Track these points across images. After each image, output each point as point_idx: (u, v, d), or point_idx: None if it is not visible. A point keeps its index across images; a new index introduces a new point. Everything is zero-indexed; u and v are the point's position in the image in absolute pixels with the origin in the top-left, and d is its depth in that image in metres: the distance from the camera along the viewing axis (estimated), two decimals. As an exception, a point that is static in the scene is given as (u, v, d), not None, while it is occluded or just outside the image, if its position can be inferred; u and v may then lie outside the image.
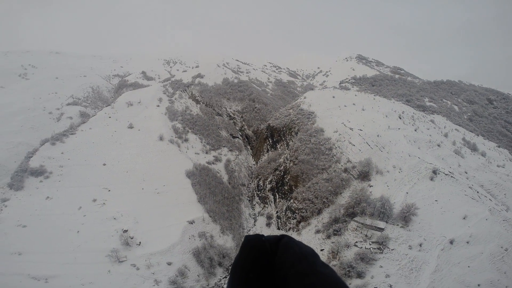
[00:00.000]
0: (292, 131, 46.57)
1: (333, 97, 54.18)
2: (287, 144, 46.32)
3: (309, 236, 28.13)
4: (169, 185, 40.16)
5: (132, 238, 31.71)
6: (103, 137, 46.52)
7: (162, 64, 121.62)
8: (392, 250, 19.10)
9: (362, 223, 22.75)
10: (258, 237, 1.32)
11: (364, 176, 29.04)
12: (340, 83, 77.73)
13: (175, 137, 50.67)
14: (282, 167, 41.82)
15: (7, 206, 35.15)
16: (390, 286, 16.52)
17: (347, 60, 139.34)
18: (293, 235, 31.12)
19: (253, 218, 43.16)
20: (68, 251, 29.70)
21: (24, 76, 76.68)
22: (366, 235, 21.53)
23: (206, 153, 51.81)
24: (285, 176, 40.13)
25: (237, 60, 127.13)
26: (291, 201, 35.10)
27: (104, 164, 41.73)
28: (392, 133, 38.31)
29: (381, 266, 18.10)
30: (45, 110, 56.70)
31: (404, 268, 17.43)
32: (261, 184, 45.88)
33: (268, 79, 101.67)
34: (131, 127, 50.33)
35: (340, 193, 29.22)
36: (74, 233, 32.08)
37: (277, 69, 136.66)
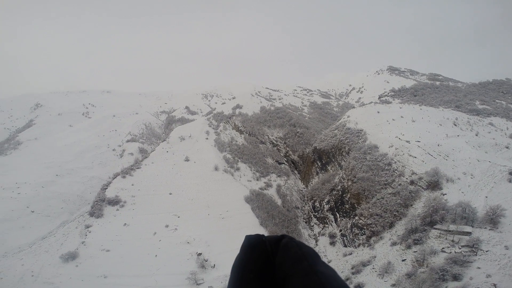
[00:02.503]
0: (342, 151, 49.23)
1: (378, 112, 56.57)
2: (339, 165, 48.73)
3: (384, 249, 29.32)
4: (231, 211, 44.04)
5: (206, 261, 34.41)
6: (165, 169, 53.09)
7: (201, 98, 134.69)
8: (486, 252, 20.13)
9: (445, 230, 24.03)
10: (258, 237, 1.38)
11: (434, 185, 30.39)
12: (379, 98, 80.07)
13: (228, 167, 55.88)
14: (339, 187, 43.96)
15: (91, 232, 40.08)
16: (494, 285, 17.46)
17: (379, 74, 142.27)
18: (365, 250, 32.37)
19: (314, 238, 44.80)
20: (149, 274, 32.16)
21: (86, 115, 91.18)
22: (452, 241, 22.74)
23: (257, 180, 55.85)
24: (344, 195, 42.08)
25: (267, 88, 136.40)
26: (356, 218, 36.71)
27: (171, 194, 47.33)
28: (452, 141, 39.47)
29: (478, 267, 19.21)
30: (109, 148, 66.30)
31: (505, 267, 18.35)
32: (317, 205, 47.91)
33: (302, 103, 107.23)
34: (187, 160, 56.77)
35: (411, 205, 30.62)
36: (152, 257, 35.19)
37: (308, 92, 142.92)
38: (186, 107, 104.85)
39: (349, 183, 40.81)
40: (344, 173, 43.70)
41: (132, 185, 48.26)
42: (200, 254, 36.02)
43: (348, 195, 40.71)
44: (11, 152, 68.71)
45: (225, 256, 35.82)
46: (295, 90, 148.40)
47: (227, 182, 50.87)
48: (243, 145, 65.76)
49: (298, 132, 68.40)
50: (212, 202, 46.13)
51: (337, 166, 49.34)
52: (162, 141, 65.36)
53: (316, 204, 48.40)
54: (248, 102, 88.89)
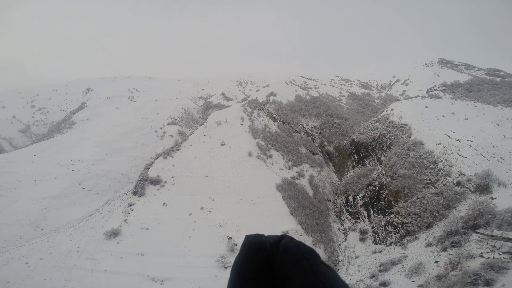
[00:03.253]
0: (383, 146, 47.65)
1: (426, 107, 53.18)
2: (379, 159, 47.41)
3: (418, 249, 28.78)
4: (262, 197, 45.73)
5: (235, 245, 35.22)
6: (202, 152, 56.33)
7: (235, 85, 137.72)
8: (532, 260, 19.24)
9: (488, 235, 22.91)
10: (258, 237, 1.42)
11: (483, 188, 28.56)
12: (427, 91, 74.48)
13: (261, 154, 57.41)
14: (376, 183, 43.11)
15: (133, 210, 42.98)
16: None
17: (428, 66, 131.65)
18: (397, 249, 31.97)
19: (343, 232, 44.91)
20: (182, 254, 33.29)
21: (131, 99, 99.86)
22: (493, 246, 21.70)
23: (289, 168, 56.68)
24: (381, 192, 41.28)
25: (302, 76, 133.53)
26: (392, 216, 36.09)
27: (207, 176, 50.40)
28: (510, 143, 36.15)
29: (518, 276, 18.53)
30: (152, 129, 71.92)
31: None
32: (351, 199, 47.60)
33: (340, 93, 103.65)
34: (223, 144, 59.40)
35: (454, 207, 29.25)
36: (187, 237, 36.60)
37: (346, 82, 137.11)
38: (222, 93, 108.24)
39: (388, 179, 39.84)
40: (384, 169, 42.60)
41: (172, 166, 51.83)
42: (230, 238, 36.99)
43: (386, 192, 39.86)
44: (66, 131, 77.98)
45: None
46: (332, 79, 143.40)
47: (260, 169, 52.47)
48: (276, 133, 66.62)
49: (335, 122, 67.13)
50: (244, 187, 48.11)
51: (376, 160, 48.05)
52: (200, 125, 68.93)
53: (349, 198, 48.08)
54: (282, 90, 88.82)
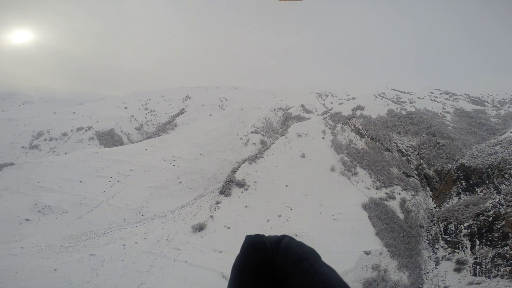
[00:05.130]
0: (504, 173, 40.04)
1: None
2: (496, 188, 40.17)
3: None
4: (345, 214, 44.27)
5: None
6: (283, 162, 58.66)
7: (315, 97, 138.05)
8: None
9: None
10: (259, 237, 1.46)
11: None
12: None
13: (345, 170, 55.79)
14: (491, 213, 36.97)
15: (219, 208, 47.19)
16: None
17: None
18: (502, 281, 27.50)
19: (434, 261, 39.86)
20: None
21: (221, 107, 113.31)
22: None
23: (377, 189, 53.03)
24: (496, 222, 35.38)
25: (393, 89, 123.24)
26: (506, 248, 30.98)
27: (287, 186, 52.16)
28: None
29: None
30: (237, 136, 78.90)
31: None
32: (452, 228, 41.75)
33: (444, 108, 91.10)
34: (303, 156, 60.46)
35: None
36: None
37: (451, 97, 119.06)
38: (302, 105, 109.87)
39: (509, 209, 33.86)
40: (503, 198, 36.30)
41: (256, 171, 55.70)
42: None
43: (503, 223, 34.01)
44: (170, 132, 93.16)
45: (330, 257, 35.43)
46: (432, 93, 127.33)
47: (343, 185, 51.11)
48: (363, 150, 63.51)
49: (438, 143, 59.36)
50: (325, 202, 47.64)
51: (492, 189, 40.80)
52: (281, 136, 72.08)
53: (450, 226, 42.18)
54: (371, 104, 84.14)
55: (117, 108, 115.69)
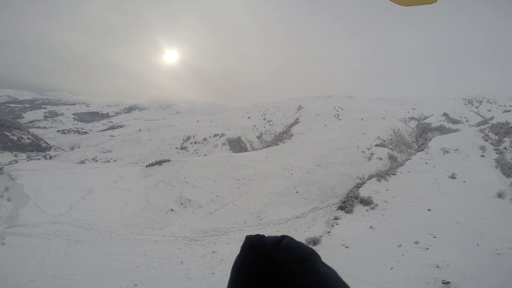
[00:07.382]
0: None
1: None
2: None
3: None
4: (519, 252, 32.51)
5: None
6: (423, 182, 49.49)
7: (462, 104, 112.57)
8: None
9: None
10: (259, 237, 1.37)
11: None
12: None
13: (521, 198, 41.52)
14: None
15: (338, 224, 44.43)
16: None
17: None
18: None
19: None
20: (376, 284, 31.09)
21: (337, 117, 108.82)
22: None
23: None
24: None
25: None
26: None
27: (429, 210, 43.41)
28: None
29: None
30: (359, 149, 73.04)
31: None
32: None
33: None
34: (453, 177, 49.32)
35: None
36: (388, 268, 33.36)
37: None
38: (444, 114, 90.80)
39: None
40: None
41: (387, 190, 49.41)
42: (447, 282, 29.70)
43: None
44: (287, 141, 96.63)
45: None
46: None
47: (516, 217, 38.01)
48: (553, 175, 45.76)
49: None
50: (486, 233, 36.49)
51: None
52: (420, 151, 61.58)
53: None
54: None
55: (242, 118, 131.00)
